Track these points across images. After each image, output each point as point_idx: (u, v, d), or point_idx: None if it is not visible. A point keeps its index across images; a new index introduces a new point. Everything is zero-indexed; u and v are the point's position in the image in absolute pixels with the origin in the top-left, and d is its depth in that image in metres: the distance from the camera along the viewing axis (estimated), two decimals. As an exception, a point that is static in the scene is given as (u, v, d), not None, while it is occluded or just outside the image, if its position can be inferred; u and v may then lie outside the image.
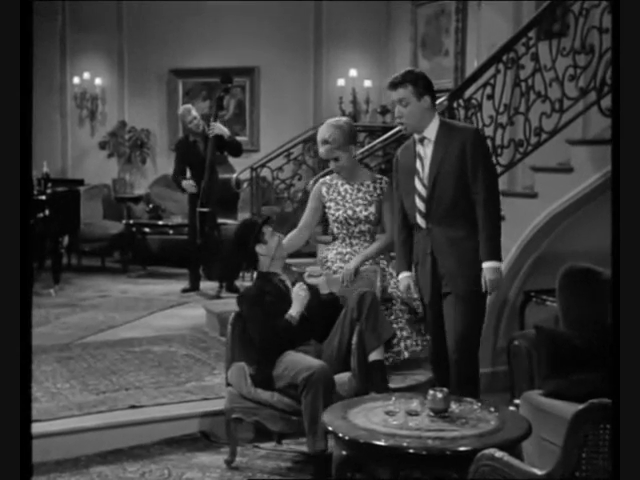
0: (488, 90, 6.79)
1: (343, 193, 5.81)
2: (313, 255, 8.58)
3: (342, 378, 5.13)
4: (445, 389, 4.30)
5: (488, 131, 6.90)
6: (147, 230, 12.49)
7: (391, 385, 5.58)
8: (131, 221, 12.64)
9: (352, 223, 5.75)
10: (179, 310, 9.43)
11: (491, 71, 6.82)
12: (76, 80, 14.06)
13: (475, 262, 5.00)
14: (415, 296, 5.38)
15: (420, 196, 5.10)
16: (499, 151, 6.90)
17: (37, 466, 4.97)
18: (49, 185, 11.02)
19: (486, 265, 4.97)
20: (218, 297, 9.49)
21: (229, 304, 7.52)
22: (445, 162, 5.06)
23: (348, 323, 5.21)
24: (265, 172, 10.36)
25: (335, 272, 5.81)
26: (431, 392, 4.28)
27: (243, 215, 9.67)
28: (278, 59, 13.13)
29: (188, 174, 9.93)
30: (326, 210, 5.94)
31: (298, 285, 5.38)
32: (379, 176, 5.92)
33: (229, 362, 5.47)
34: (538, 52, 6.60)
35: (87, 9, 13.93)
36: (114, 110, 14.17)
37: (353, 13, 12.93)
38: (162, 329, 8.48)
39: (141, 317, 9.11)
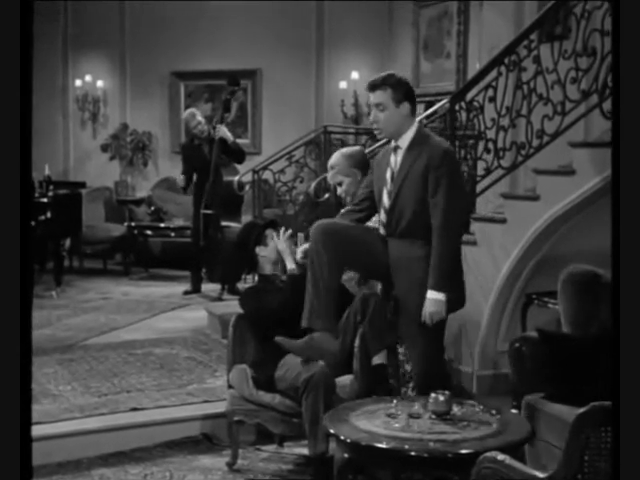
0: (490, 93, 6.79)
1: None
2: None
3: (344, 381, 5.13)
4: (447, 392, 4.30)
5: (490, 134, 6.91)
6: (149, 232, 12.51)
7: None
8: (133, 223, 12.65)
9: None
10: (181, 312, 9.43)
11: (493, 74, 6.83)
12: (78, 82, 14.07)
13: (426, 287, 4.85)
14: None
15: (384, 206, 5.05)
16: (501, 154, 6.90)
17: (38, 468, 4.98)
18: (51, 187, 11.02)
19: (427, 295, 4.81)
20: (220, 299, 9.50)
21: (231, 306, 7.52)
22: (409, 176, 4.93)
23: (351, 325, 5.21)
24: (267, 175, 10.36)
25: None
26: (433, 395, 4.28)
27: (246, 218, 9.69)
28: (280, 61, 13.13)
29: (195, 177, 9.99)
30: None
31: (280, 241, 5.41)
32: None
33: (230, 364, 5.47)
34: (540, 55, 6.60)
35: (89, 11, 13.95)
36: (116, 112, 14.18)
37: (355, 15, 12.93)
38: (164, 331, 8.49)
39: (143, 319, 9.11)
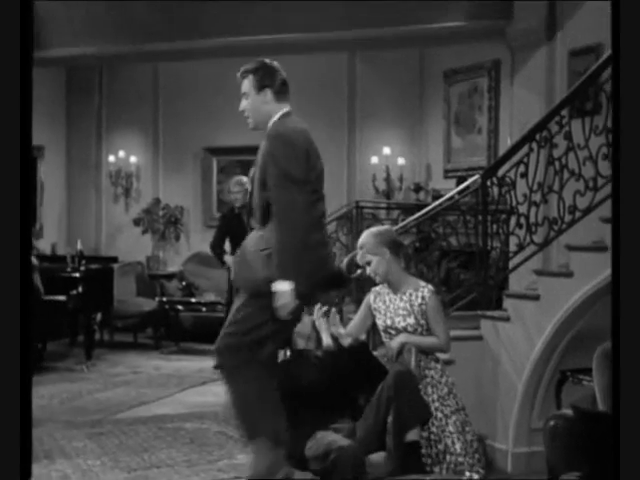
0: (522, 168, 6.81)
1: (387, 302, 5.74)
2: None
3: (377, 458, 5.07)
4: (482, 470, 4.24)
5: (522, 209, 6.90)
6: (180, 307, 12.54)
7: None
8: (164, 298, 12.69)
9: (393, 332, 5.69)
10: (212, 387, 9.39)
11: (524, 149, 6.85)
12: (111, 158, 14.24)
13: (253, 277, 4.70)
14: None
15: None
16: (533, 229, 6.89)
17: None
18: (83, 262, 11.11)
19: (273, 287, 4.59)
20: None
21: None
22: (257, 165, 4.90)
23: (384, 401, 5.16)
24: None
25: None
26: (467, 474, 4.22)
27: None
28: (312, 137, 13.18)
29: (227, 246, 9.98)
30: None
31: (309, 319, 5.41)
32: (423, 284, 5.76)
33: (262, 440, 5.41)
34: (571, 130, 6.62)
35: (123, 88, 14.19)
36: (148, 187, 14.30)
37: (386, 90, 13.04)
38: (194, 406, 8.46)
39: (173, 393, 9.09)
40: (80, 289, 10.55)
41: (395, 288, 5.69)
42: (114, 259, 13.37)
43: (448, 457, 5.40)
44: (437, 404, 5.51)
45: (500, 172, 7.07)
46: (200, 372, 10.26)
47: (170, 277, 13.54)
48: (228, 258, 9.81)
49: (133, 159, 14.22)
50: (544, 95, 8.52)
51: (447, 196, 8.00)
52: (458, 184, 9.29)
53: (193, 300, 12.55)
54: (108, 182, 14.35)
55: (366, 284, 7.01)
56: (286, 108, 4.97)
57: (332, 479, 4.87)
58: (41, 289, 10.17)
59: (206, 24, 10.35)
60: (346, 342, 5.45)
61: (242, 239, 9.49)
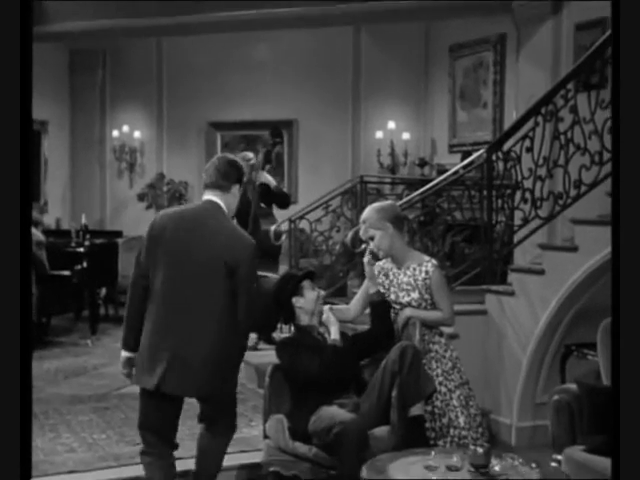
0: (527, 143, 6.79)
1: (391, 277, 5.71)
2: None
3: (381, 432, 5.08)
4: (486, 444, 4.25)
5: (527, 183, 6.89)
6: (185, 282, 12.51)
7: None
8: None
9: (397, 307, 5.67)
10: (216, 362, 9.40)
11: (530, 124, 6.82)
12: (115, 133, 14.20)
13: None
14: None
15: None
16: (538, 204, 6.87)
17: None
18: (88, 237, 11.11)
19: None
20: (255, 349, 9.43)
21: (267, 356, 7.49)
22: None
23: (389, 376, 5.16)
24: (303, 224, 10.36)
25: None
26: (472, 447, 4.22)
27: (283, 267, 9.67)
28: (316, 112, 13.19)
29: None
30: None
31: (325, 310, 5.43)
32: (427, 258, 5.70)
33: (267, 414, 5.44)
34: (577, 104, 6.59)
35: (127, 63, 14.13)
36: (153, 162, 14.27)
37: (391, 65, 13.00)
38: (199, 381, 8.45)
39: (178, 369, 9.08)
40: (85, 264, 10.55)
41: (399, 263, 5.67)
42: (119, 234, 13.35)
43: (452, 431, 5.41)
44: (441, 378, 5.51)
45: (505, 146, 7.05)
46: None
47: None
48: None
49: (137, 134, 14.19)
50: (550, 69, 8.48)
51: (452, 171, 7.99)
52: (463, 159, 9.27)
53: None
54: (112, 157, 14.33)
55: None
56: None
57: (336, 453, 4.88)
58: (47, 265, 10.17)
59: (209, -2, 10.31)
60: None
61: (245, 215, 9.55)
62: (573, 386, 5.15)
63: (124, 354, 4.95)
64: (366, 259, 5.64)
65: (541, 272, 6.70)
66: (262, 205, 9.61)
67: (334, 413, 5.04)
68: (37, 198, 13.35)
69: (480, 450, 4.17)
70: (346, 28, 12.87)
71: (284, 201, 9.74)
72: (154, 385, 4.73)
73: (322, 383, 5.20)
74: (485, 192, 7.23)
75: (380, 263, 5.79)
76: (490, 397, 6.96)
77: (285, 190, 9.97)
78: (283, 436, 5.18)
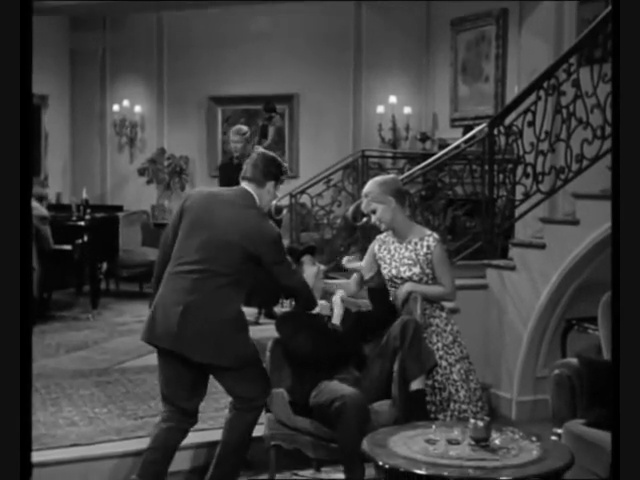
0: (529, 117, 6.77)
1: (392, 252, 5.69)
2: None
3: (382, 406, 5.09)
4: (487, 418, 4.25)
5: (529, 158, 6.87)
6: (186, 256, 12.50)
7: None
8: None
9: (398, 282, 5.66)
10: (217, 336, 9.41)
11: (532, 98, 6.80)
12: (116, 107, 14.17)
13: None
14: None
15: None
16: (540, 178, 6.86)
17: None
18: (88, 211, 11.10)
19: None
20: (257, 323, 9.44)
21: (268, 330, 7.47)
22: None
23: (390, 351, 5.17)
24: (304, 198, 10.36)
25: None
26: (472, 421, 4.23)
27: (283, 242, 9.66)
28: (317, 86, 13.15)
29: None
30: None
31: (338, 293, 5.43)
32: (428, 232, 5.67)
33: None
34: (579, 78, 6.57)
35: (128, 37, 14.09)
36: (153, 137, 14.25)
37: (393, 39, 12.95)
38: (201, 355, 8.46)
39: (180, 343, 9.09)
40: (85, 238, 10.53)
41: (400, 237, 5.66)
42: (119, 208, 13.33)
43: (452, 405, 5.41)
44: (442, 352, 5.51)
45: (507, 121, 7.03)
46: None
47: (176, 226, 13.49)
48: None
49: (138, 108, 14.16)
50: (552, 43, 8.43)
51: (453, 145, 7.97)
52: (465, 133, 9.26)
53: (199, 249, 12.50)
54: (112, 132, 14.30)
55: (372, 232, 7.01)
56: None
57: (336, 427, 4.89)
58: (51, 240, 10.16)
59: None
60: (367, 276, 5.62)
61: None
62: (574, 360, 5.15)
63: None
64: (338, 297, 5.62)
65: (542, 246, 6.70)
66: None
67: (335, 387, 5.05)
68: (37, 173, 13.33)
69: (480, 424, 4.18)
70: (348, 2, 12.83)
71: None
72: (169, 344, 4.93)
73: (321, 360, 5.21)
74: (487, 166, 7.21)
75: (381, 237, 5.78)
76: (491, 371, 6.97)
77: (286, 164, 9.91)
78: (284, 410, 5.19)
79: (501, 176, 7.22)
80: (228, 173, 9.82)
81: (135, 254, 12.69)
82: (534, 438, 4.32)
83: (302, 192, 10.16)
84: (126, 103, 14.11)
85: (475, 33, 11.87)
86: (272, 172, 5.18)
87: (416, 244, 5.59)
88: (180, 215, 5.14)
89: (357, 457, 4.71)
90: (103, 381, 7.34)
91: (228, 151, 10.10)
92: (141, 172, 14.04)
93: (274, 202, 9.65)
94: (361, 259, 6.56)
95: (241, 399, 5.15)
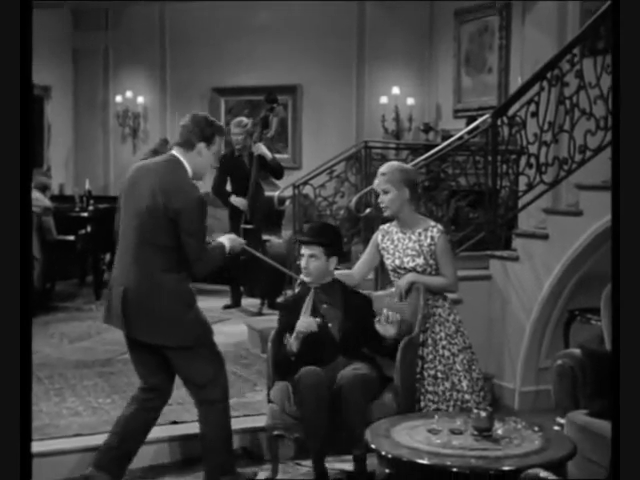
0: (532, 108, 6.77)
1: (396, 242, 5.67)
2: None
3: (385, 397, 5.12)
4: (489, 408, 4.27)
5: (532, 149, 6.87)
6: (189, 247, 12.51)
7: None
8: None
9: (401, 272, 5.64)
10: (221, 326, 9.40)
11: (535, 88, 6.80)
12: (118, 98, 14.17)
13: None
14: None
15: None
16: (543, 169, 6.86)
17: (78, 480, 5.01)
18: (91, 202, 11.12)
19: None
20: (260, 314, 9.47)
21: (271, 321, 7.50)
22: None
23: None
24: (307, 189, 10.34)
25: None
26: (475, 411, 4.24)
27: (286, 233, 9.67)
28: (320, 77, 13.14)
29: (229, 187, 9.92)
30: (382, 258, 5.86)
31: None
32: (432, 223, 5.68)
33: (271, 379, 5.46)
34: (583, 69, 6.57)
35: (130, 28, 14.08)
36: (156, 128, 14.24)
37: (396, 30, 12.93)
38: (204, 345, 8.48)
39: (183, 334, 9.10)
40: (89, 229, 10.57)
41: (404, 227, 5.65)
42: (122, 199, 13.34)
43: (455, 395, 5.42)
44: (444, 342, 5.52)
45: (510, 111, 7.03)
46: (210, 312, 10.18)
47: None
48: (234, 199, 9.78)
49: (140, 99, 14.15)
50: (555, 34, 8.41)
51: (457, 136, 7.97)
52: (468, 124, 9.25)
53: (202, 240, 12.50)
54: (115, 122, 14.30)
55: (375, 223, 7.02)
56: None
57: (340, 409, 4.93)
58: (54, 231, 10.18)
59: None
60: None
61: (243, 181, 9.52)
62: (576, 351, 5.16)
63: None
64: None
65: (545, 237, 6.70)
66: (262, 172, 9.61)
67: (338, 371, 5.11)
68: (40, 164, 13.33)
69: (483, 414, 4.19)
70: (351, -8, 12.83)
71: (278, 174, 9.79)
72: (121, 325, 4.98)
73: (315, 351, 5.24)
74: (490, 157, 7.21)
75: (384, 227, 5.78)
76: (494, 362, 6.98)
77: (279, 162, 9.92)
78: (288, 402, 5.21)
79: (504, 167, 7.22)
80: (228, 165, 9.85)
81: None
82: (536, 428, 4.34)
83: (305, 183, 10.12)
84: (129, 94, 14.11)
85: (478, 24, 11.85)
86: (202, 133, 5.01)
87: (420, 235, 5.59)
88: (120, 194, 5.14)
89: (316, 432, 4.95)
90: (106, 371, 7.37)
91: (231, 142, 10.08)
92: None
93: (277, 193, 9.69)
94: (364, 250, 6.56)
95: (193, 386, 5.10)
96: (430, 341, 5.51)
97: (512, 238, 7.23)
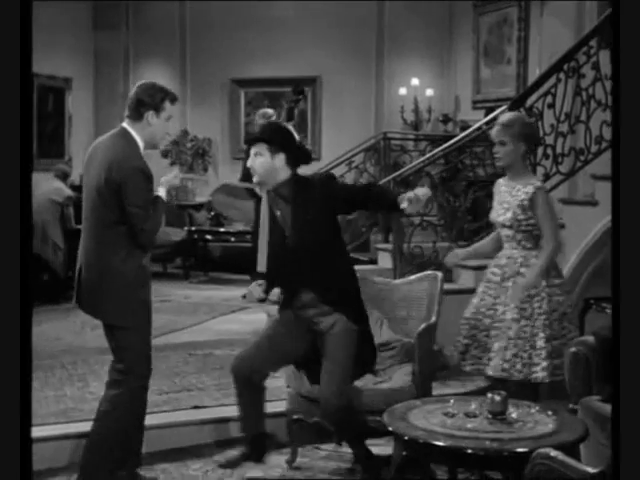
0: (549, 99, 6.83)
1: (499, 195, 5.61)
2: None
3: (404, 386, 5.21)
4: (503, 392, 4.35)
5: (549, 140, 6.93)
6: (209, 237, 12.64)
7: (451, 390, 5.64)
8: (193, 228, 12.79)
9: (499, 226, 5.58)
10: (241, 315, 9.54)
11: (552, 80, 6.86)
12: (139, 89, 14.24)
13: None
14: None
15: None
16: (560, 159, 6.92)
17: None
18: (112, 192, 11.20)
19: None
20: (279, 303, 9.52)
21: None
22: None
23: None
24: (326, 180, 10.41)
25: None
26: (489, 395, 4.33)
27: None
28: (340, 68, 13.21)
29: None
30: None
31: None
32: (533, 180, 5.51)
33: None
34: (599, 61, 6.63)
35: (150, 20, 14.17)
36: (176, 119, 14.22)
37: (415, 21, 12.99)
38: (224, 333, 8.61)
39: (203, 321, 9.24)
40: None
41: (511, 180, 5.54)
42: (143, 189, 13.42)
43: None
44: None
45: (528, 103, 7.09)
46: (228, 301, 10.39)
47: (199, 207, 13.63)
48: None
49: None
50: (573, 26, 8.47)
51: (474, 127, 8.02)
52: (487, 115, 9.29)
53: (222, 230, 12.62)
54: (136, 113, 14.38)
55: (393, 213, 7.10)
56: None
57: None
58: (73, 220, 10.29)
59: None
60: None
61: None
62: (590, 338, 5.22)
63: None
64: None
65: (562, 227, 6.75)
66: None
67: None
68: (61, 154, 13.46)
69: (497, 398, 4.27)
70: (370, -16, 12.89)
71: (305, 157, 9.78)
72: (74, 301, 5.09)
73: None
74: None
75: (500, 180, 5.69)
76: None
77: (308, 147, 9.98)
78: (302, 382, 5.29)
79: (521, 157, 7.27)
80: None
81: (159, 234, 12.74)
82: (550, 412, 4.41)
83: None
84: (149, 85, 14.19)
85: (497, 16, 11.89)
86: (147, 101, 4.88)
87: (518, 190, 5.46)
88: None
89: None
90: (128, 358, 7.47)
91: (251, 133, 10.17)
92: (164, 154, 14.11)
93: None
94: (385, 239, 6.61)
95: (116, 365, 5.03)
96: None
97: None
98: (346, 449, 5.60)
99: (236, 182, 10.32)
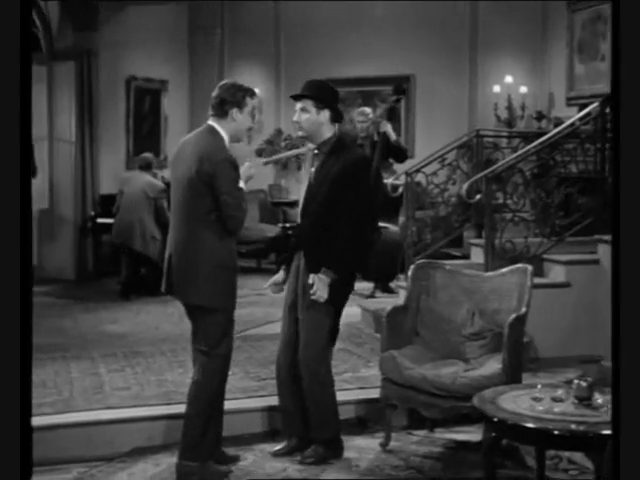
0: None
1: None
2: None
3: (494, 372, 5.33)
4: (589, 378, 4.48)
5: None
6: (302, 233, 12.80)
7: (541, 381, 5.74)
8: (287, 224, 12.99)
9: None
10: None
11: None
12: (233, 90, 14.48)
13: None
14: None
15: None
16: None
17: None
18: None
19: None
20: (372, 297, 9.68)
21: (383, 303, 7.82)
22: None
23: None
24: (420, 177, 10.54)
25: None
26: (576, 381, 4.46)
27: (400, 219, 9.89)
28: (433, 66, 13.31)
29: None
30: None
31: None
32: None
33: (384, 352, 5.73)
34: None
35: (245, 20, 14.39)
36: (271, 119, 14.52)
37: (508, 19, 13.03)
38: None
39: (297, 313, 9.42)
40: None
41: None
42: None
43: None
44: None
45: (620, 98, 7.12)
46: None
47: (292, 204, 13.82)
48: None
49: (256, 91, 14.44)
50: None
51: (566, 124, 8.06)
52: (580, 111, 9.33)
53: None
54: (230, 114, 14.62)
55: (485, 209, 7.22)
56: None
57: None
58: (167, 212, 10.59)
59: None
60: None
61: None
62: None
63: None
64: None
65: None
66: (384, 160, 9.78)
67: None
68: (158, 153, 13.79)
69: (584, 384, 4.41)
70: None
71: (401, 155, 9.94)
72: (164, 288, 5.33)
73: None
74: (599, 144, 7.30)
75: None
76: (601, 343, 7.09)
77: (403, 144, 10.10)
78: (396, 368, 5.46)
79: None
80: None
81: (253, 231, 13.04)
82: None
83: (417, 171, 10.28)
84: (244, 86, 14.43)
85: (591, 12, 11.86)
86: (230, 99, 5.30)
87: None
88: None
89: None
90: (226, 347, 7.72)
91: (345, 132, 10.33)
92: (259, 153, 14.35)
93: (390, 180, 9.89)
94: (478, 235, 6.65)
95: (200, 347, 5.34)
96: None
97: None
98: (438, 435, 5.76)
99: None
